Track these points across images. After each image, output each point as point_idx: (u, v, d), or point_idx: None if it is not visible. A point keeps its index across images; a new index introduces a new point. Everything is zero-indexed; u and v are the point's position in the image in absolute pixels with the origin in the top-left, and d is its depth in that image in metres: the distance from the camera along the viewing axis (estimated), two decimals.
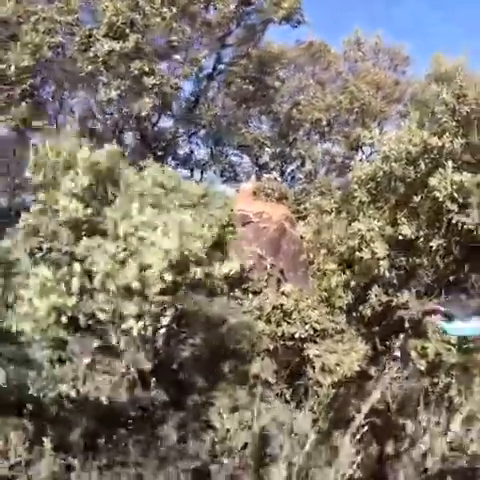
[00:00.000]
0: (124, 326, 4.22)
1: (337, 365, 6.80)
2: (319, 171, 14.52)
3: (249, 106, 13.42)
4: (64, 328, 4.08)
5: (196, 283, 4.51)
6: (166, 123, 11.35)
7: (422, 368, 7.09)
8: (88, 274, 4.17)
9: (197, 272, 4.22)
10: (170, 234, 4.04)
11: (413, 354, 7.15)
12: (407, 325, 7.42)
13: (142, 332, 4.28)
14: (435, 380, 7.24)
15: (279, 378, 6.80)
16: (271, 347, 6.83)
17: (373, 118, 14.06)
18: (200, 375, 5.92)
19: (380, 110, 13.95)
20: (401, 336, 7.57)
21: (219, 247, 4.95)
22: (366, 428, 6.36)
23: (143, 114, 8.99)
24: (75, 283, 4.06)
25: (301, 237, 8.81)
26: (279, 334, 6.98)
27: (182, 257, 4.05)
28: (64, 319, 3.98)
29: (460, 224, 6.36)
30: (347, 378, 6.96)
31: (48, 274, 4.00)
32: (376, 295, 7.48)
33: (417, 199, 7.02)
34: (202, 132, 12.99)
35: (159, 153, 11.37)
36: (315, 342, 7.11)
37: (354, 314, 8.00)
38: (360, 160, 8.54)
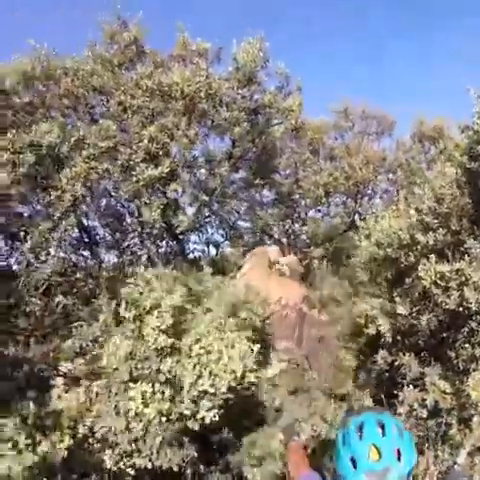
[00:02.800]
0: (198, 416, 5.84)
1: None
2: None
3: (256, 188, 14.80)
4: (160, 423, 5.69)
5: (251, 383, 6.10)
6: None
7: (424, 415, 7.99)
8: (174, 384, 5.82)
9: (251, 377, 5.88)
10: (231, 355, 5.75)
11: (415, 405, 8.05)
12: (408, 381, 8.66)
13: (213, 419, 5.84)
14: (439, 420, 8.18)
15: None
16: None
17: (366, 190, 15.82)
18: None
19: (371, 182, 15.66)
20: (405, 389, 8.56)
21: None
22: None
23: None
24: (167, 393, 5.66)
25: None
26: None
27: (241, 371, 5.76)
28: (163, 419, 5.57)
29: (444, 304, 7.71)
30: None
31: (147, 388, 5.63)
32: (382, 357, 8.86)
33: (408, 281, 8.48)
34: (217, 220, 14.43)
35: (180, 236, 12.94)
36: None
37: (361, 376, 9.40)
38: (359, 241, 9.70)
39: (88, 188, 10.17)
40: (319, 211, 17.21)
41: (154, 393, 5.93)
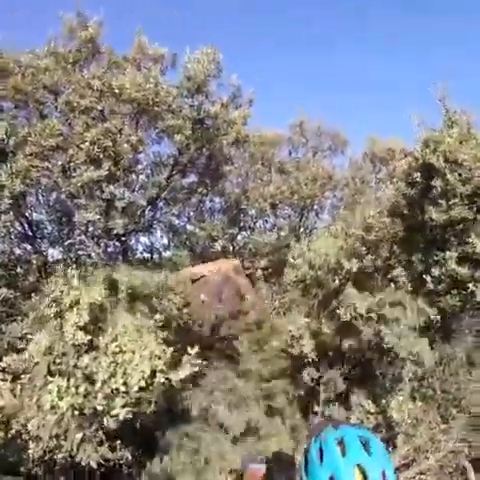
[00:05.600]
0: (113, 413, 6.00)
1: None
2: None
3: (203, 194, 14.91)
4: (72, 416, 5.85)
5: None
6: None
7: None
8: (89, 380, 5.96)
9: (160, 377, 6.09)
10: (143, 355, 5.93)
11: None
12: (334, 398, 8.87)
13: (126, 416, 5.99)
14: None
15: None
16: None
17: (312, 205, 16.11)
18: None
19: (316, 199, 15.95)
20: (331, 407, 8.78)
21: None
22: None
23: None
24: (82, 388, 5.79)
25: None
26: None
27: (151, 371, 5.91)
28: (76, 413, 5.68)
29: (364, 333, 7.92)
30: None
31: (62, 383, 5.76)
32: (308, 374, 9.03)
33: (335, 304, 8.67)
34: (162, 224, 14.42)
35: (123, 238, 12.94)
36: None
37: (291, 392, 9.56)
38: (291, 265, 9.86)
39: (27, 185, 10.03)
40: (266, 222, 17.40)
41: (68, 387, 6.08)
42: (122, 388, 6.11)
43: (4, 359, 7.55)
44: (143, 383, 6.19)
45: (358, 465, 1.73)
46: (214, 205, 16.64)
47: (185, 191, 13.91)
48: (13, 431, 6.48)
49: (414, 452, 8.80)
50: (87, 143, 9.93)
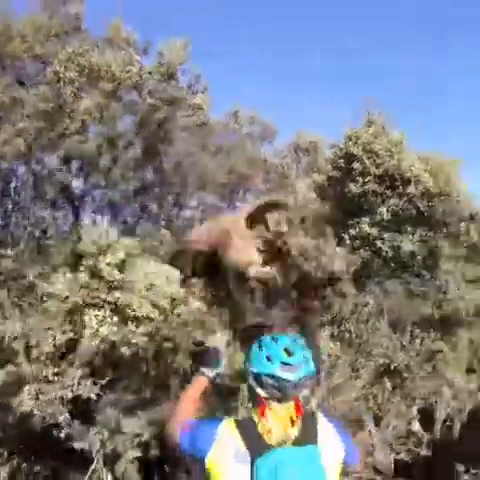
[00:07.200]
0: (133, 341, 6.48)
1: None
2: None
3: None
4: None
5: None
6: None
7: None
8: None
9: (179, 308, 6.86)
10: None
11: None
12: None
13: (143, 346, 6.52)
14: None
15: None
16: None
17: (245, 188, 18.27)
18: None
19: (250, 182, 17.98)
20: None
21: None
22: None
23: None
24: (115, 318, 6.57)
25: None
26: None
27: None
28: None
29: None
30: None
31: (99, 313, 6.53)
32: None
33: None
34: None
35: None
36: None
37: None
38: None
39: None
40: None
41: (105, 317, 6.53)
42: (151, 315, 6.52)
43: None
44: (167, 306, 6.65)
45: (285, 348, 2.35)
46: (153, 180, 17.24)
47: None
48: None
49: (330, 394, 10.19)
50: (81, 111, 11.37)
